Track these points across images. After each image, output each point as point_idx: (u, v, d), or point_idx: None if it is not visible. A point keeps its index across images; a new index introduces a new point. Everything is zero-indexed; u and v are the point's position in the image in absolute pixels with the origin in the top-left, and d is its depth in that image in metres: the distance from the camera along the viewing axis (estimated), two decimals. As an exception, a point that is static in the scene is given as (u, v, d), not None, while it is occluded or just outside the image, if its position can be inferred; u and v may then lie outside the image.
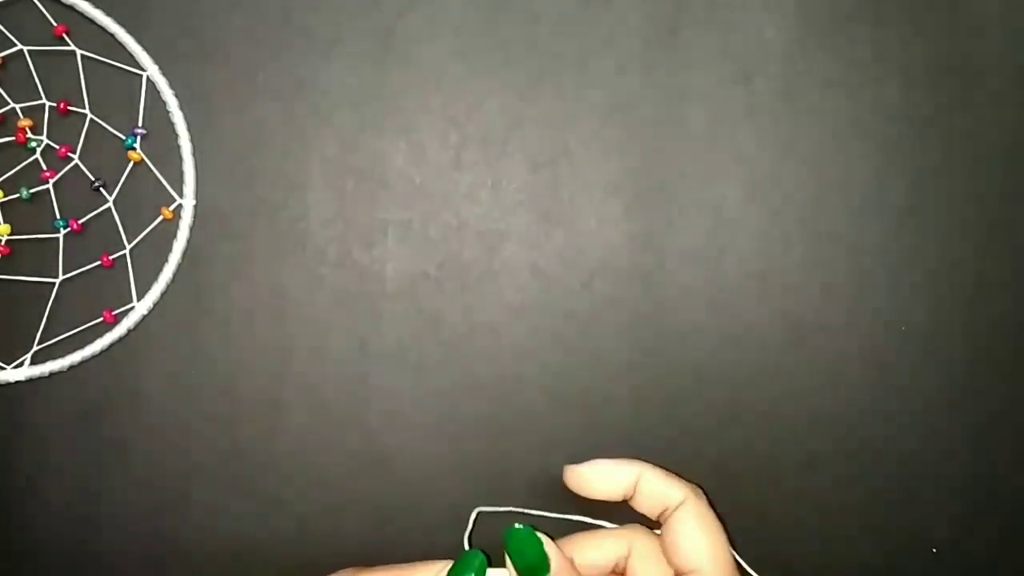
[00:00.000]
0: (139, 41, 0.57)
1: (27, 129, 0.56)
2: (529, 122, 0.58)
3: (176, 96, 0.57)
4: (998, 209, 0.59)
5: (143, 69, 0.57)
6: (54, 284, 0.57)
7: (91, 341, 0.56)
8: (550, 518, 0.53)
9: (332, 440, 0.57)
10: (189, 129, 0.57)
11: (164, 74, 0.57)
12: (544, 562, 0.46)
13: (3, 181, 0.56)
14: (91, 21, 0.57)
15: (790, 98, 0.58)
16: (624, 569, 0.49)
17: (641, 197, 0.58)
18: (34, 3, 0.57)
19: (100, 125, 0.57)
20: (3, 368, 0.56)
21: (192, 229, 0.57)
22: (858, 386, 0.58)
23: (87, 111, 0.57)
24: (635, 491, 0.49)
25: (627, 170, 0.58)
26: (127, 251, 0.57)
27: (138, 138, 0.57)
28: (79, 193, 0.57)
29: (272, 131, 0.57)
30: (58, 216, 0.56)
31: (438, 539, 0.56)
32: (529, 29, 0.58)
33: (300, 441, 0.57)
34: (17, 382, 0.56)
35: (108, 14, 0.56)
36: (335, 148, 0.58)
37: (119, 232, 0.57)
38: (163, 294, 0.57)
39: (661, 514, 0.49)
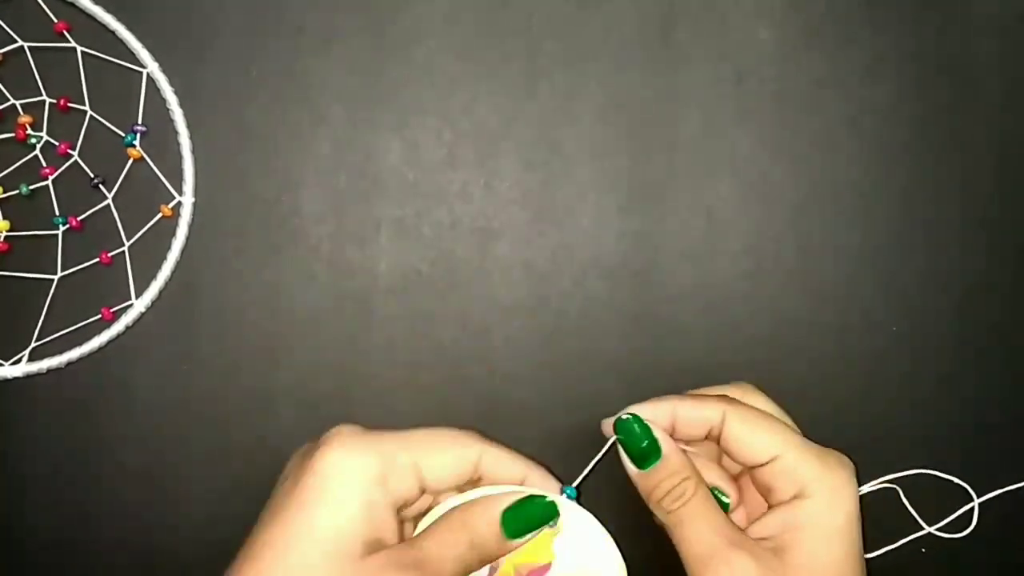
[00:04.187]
0: (139, 38, 0.57)
1: (27, 125, 0.56)
2: (523, 120, 0.58)
3: (176, 93, 0.57)
4: (990, 210, 0.58)
5: (143, 66, 0.57)
6: (52, 281, 0.57)
7: (89, 338, 0.57)
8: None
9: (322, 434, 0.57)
10: (189, 126, 0.57)
11: (164, 71, 0.57)
12: (655, 447, 0.48)
13: (2, 177, 0.57)
14: (91, 18, 0.57)
15: (783, 99, 0.58)
16: (718, 435, 0.49)
17: (634, 196, 0.58)
18: None
19: (100, 122, 0.57)
20: (1, 365, 0.56)
21: (190, 226, 0.57)
22: (848, 387, 0.58)
23: (87, 108, 0.57)
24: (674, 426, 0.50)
25: (620, 169, 0.58)
26: (126, 248, 0.57)
27: (138, 135, 0.57)
28: (78, 190, 0.57)
29: (266, 128, 0.57)
30: (57, 213, 0.57)
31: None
32: (523, 28, 0.58)
33: (292, 438, 0.56)
34: (15, 378, 0.56)
35: (108, 11, 0.57)
36: (329, 145, 0.58)
37: (118, 229, 0.57)
38: (161, 292, 0.57)
39: (708, 435, 0.49)
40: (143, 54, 0.57)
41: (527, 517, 0.46)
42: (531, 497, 0.46)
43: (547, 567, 0.48)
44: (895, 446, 0.57)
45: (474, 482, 0.47)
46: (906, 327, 0.58)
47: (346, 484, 0.44)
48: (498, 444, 0.48)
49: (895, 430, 0.58)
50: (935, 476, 0.57)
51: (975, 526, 0.56)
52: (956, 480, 0.56)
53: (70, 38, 0.57)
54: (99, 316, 0.57)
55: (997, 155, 0.58)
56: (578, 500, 0.48)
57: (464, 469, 0.46)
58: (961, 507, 0.57)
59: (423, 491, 0.46)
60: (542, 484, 0.48)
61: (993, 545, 0.58)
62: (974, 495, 0.57)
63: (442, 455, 0.46)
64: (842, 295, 0.58)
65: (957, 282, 0.58)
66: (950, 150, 0.58)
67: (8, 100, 0.56)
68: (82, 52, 0.57)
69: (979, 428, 0.58)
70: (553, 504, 0.47)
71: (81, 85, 0.57)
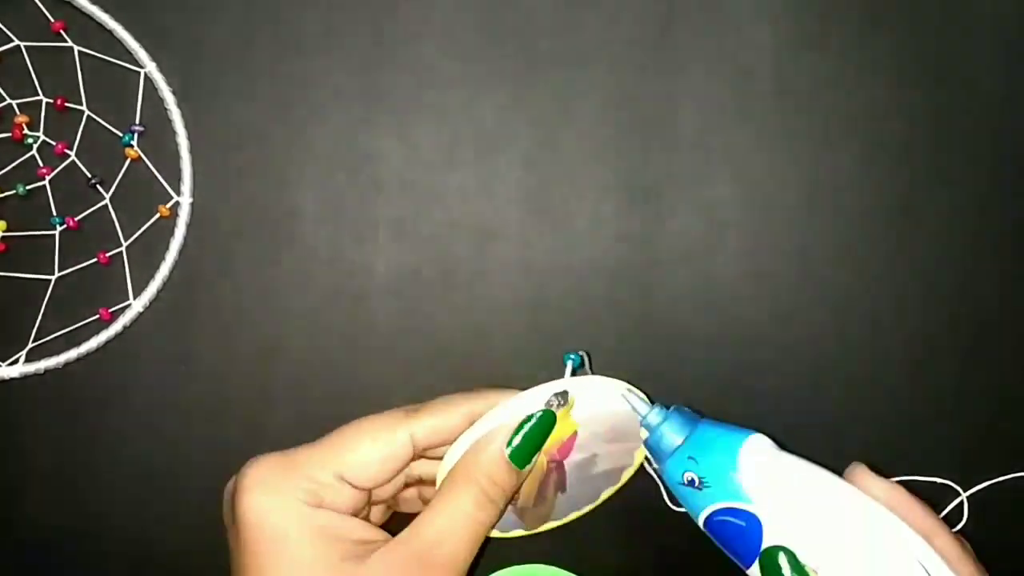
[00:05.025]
0: (137, 38, 0.56)
1: (24, 125, 0.56)
2: (522, 121, 0.58)
3: (173, 93, 0.57)
4: (989, 209, 0.58)
5: (141, 66, 0.57)
6: (50, 281, 0.57)
7: (87, 339, 0.56)
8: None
9: (321, 436, 0.57)
10: (186, 126, 0.57)
11: (161, 71, 0.57)
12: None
13: (-1, 177, 0.57)
14: (89, 17, 0.56)
15: (782, 98, 0.58)
16: None
17: (633, 196, 0.58)
18: (32, -1, 0.57)
19: (97, 122, 0.57)
20: (-2, 364, 0.56)
21: (188, 227, 0.57)
22: (848, 387, 0.58)
23: (84, 107, 0.57)
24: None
25: (619, 169, 0.58)
26: (124, 248, 0.57)
27: (135, 135, 0.57)
28: (76, 190, 0.57)
29: (264, 128, 0.57)
30: (54, 213, 0.57)
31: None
32: (522, 28, 0.58)
33: (289, 437, 0.56)
34: (12, 379, 0.56)
35: (106, 10, 0.56)
36: (328, 145, 0.57)
37: (116, 229, 0.57)
38: (159, 292, 0.57)
39: None
40: (141, 54, 0.57)
41: (531, 440, 0.44)
42: (526, 420, 0.44)
43: (573, 436, 0.47)
44: (894, 445, 0.57)
45: (419, 457, 0.45)
46: (906, 327, 0.58)
47: (283, 534, 0.41)
48: (427, 407, 0.45)
49: (895, 431, 0.58)
50: (934, 471, 0.57)
51: (967, 521, 0.57)
52: (939, 480, 0.57)
53: (67, 37, 0.56)
54: (97, 316, 0.57)
55: (996, 155, 0.58)
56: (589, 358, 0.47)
57: (396, 457, 0.44)
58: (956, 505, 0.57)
59: (368, 490, 0.44)
60: (495, 401, 0.45)
61: (991, 539, 0.57)
62: (960, 490, 0.57)
63: (363, 453, 0.43)
64: (841, 295, 0.58)
65: (956, 282, 0.58)
66: (950, 150, 0.58)
67: (5, 100, 0.56)
68: (79, 51, 0.57)
69: (981, 429, 0.58)
70: (550, 414, 0.45)
71: (78, 85, 0.57)
